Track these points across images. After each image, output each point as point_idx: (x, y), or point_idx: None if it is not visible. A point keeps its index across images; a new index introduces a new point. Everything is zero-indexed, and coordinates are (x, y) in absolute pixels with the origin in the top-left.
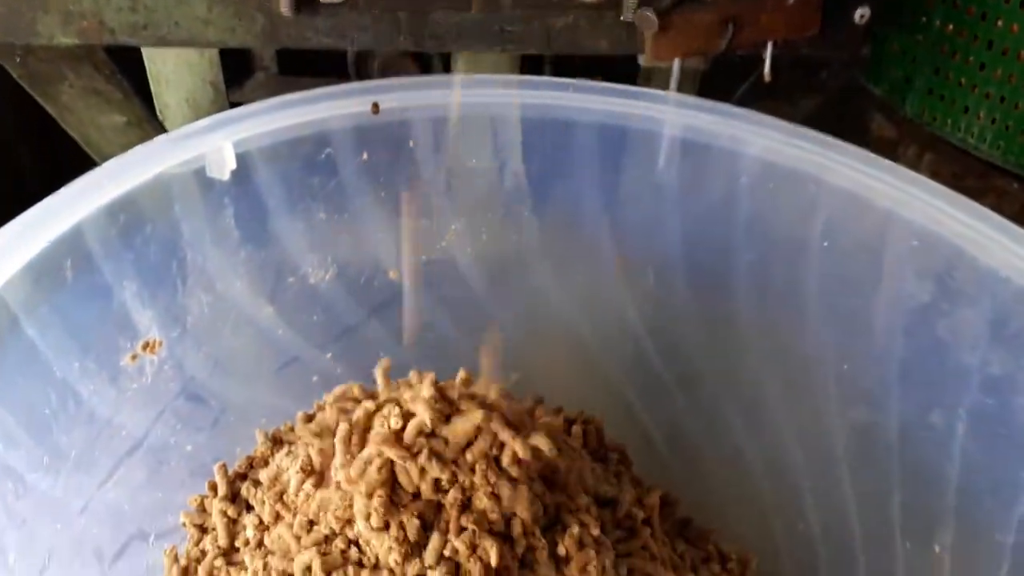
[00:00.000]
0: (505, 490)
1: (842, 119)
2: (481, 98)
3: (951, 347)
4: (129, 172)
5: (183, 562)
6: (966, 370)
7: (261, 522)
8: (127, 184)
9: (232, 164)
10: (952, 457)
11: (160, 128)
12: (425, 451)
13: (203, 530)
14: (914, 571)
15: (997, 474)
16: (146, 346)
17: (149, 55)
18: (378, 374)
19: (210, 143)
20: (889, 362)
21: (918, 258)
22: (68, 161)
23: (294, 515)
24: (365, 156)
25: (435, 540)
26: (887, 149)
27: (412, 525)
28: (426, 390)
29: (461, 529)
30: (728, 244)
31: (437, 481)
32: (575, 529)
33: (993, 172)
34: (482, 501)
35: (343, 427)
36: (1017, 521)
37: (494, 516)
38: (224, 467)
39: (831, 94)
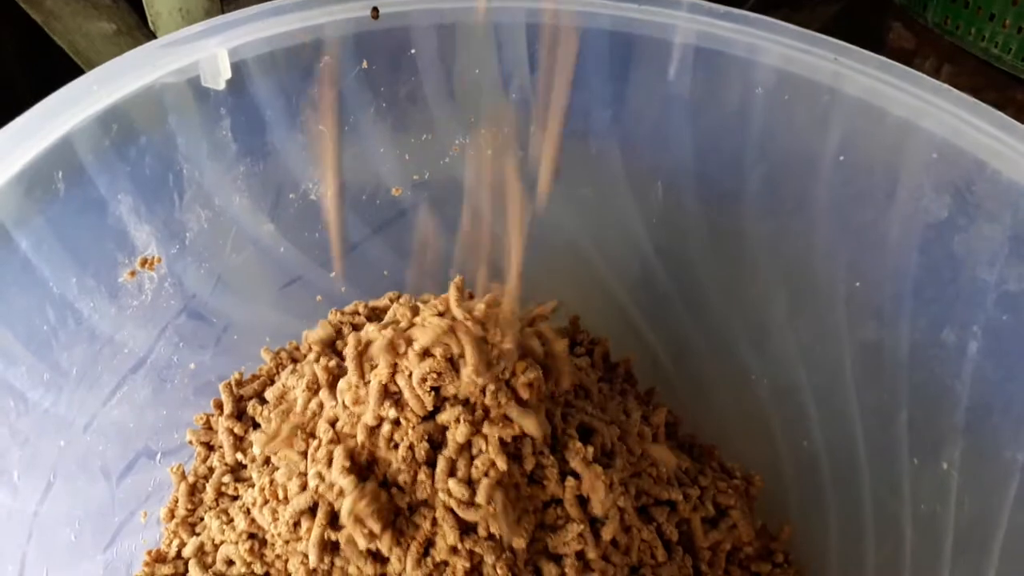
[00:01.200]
0: (515, 411)
1: (858, 28)
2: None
3: (967, 263)
4: (120, 79)
5: (191, 479)
6: (982, 287)
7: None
8: (119, 92)
9: (227, 73)
10: (963, 375)
11: (151, 38)
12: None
13: (210, 448)
14: (921, 488)
15: (1009, 391)
16: (145, 262)
17: None
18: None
19: (204, 50)
20: (902, 279)
21: (937, 171)
22: (60, 67)
23: None
24: (365, 64)
25: (442, 463)
26: (904, 61)
27: (422, 447)
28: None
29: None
30: (740, 157)
31: (445, 402)
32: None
33: (1013, 84)
34: (493, 422)
35: (340, 348)
36: None
37: (505, 436)
38: (230, 385)
39: (848, 1)
